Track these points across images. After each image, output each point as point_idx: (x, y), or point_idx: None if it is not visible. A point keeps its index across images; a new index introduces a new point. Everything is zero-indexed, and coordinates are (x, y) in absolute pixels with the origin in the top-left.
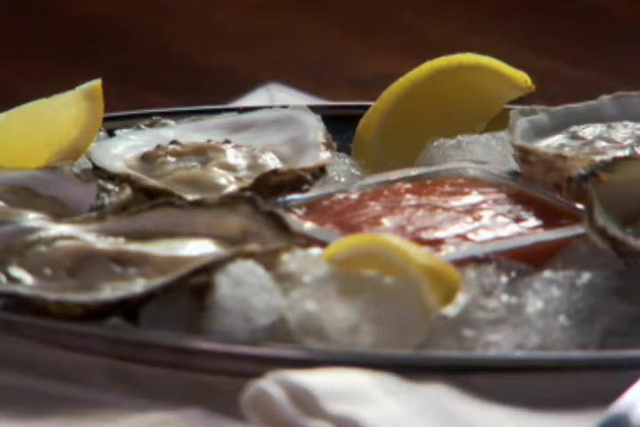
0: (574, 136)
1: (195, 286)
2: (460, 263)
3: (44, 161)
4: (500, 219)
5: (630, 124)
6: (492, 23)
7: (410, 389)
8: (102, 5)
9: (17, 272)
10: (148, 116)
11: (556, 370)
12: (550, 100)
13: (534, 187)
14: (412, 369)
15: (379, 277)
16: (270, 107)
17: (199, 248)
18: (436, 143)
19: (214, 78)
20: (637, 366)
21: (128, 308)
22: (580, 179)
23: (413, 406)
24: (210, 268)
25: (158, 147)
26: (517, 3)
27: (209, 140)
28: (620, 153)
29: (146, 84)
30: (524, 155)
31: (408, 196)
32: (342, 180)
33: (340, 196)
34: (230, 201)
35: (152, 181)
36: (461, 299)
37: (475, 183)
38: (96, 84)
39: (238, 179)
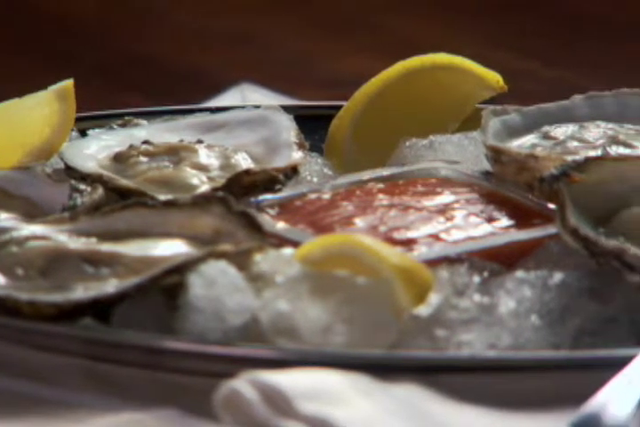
0: (546, 136)
1: (167, 286)
2: (433, 263)
3: (16, 161)
4: (473, 219)
5: (602, 124)
6: (466, 23)
7: (382, 389)
8: (77, 6)
9: None
10: (121, 116)
11: (528, 370)
12: (523, 99)
13: (506, 187)
14: (384, 369)
15: (351, 277)
16: (243, 107)
17: (172, 248)
18: (408, 143)
19: (187, 78)
20: (609, 366)
21: (100, 308)
22: (552, 179)
23: (386, 406)
24: (182, 268)
25: (131, 147)
26: (491, 3)
27: (181, 140)
28: (592, 153)
29: (119, 84)
30: (496, 155)
31: (380, 196)
32: (315, 180)
33: (313, 196)
34: (203, 201)
35: (124, 181)
36: (434, 299)
37: (447, 183)
38: (68, 84)
39: (211, 179)
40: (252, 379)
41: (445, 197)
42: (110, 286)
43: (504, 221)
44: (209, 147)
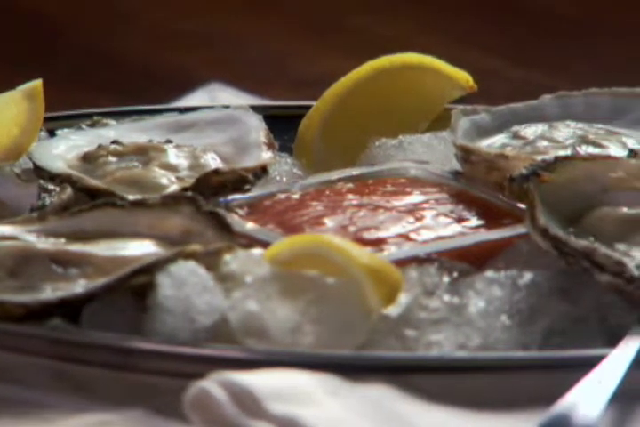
0: (516, 136)
1: (136, 287)
2: (402, 263)
3: None
4: (442, 219)
5: (572, 124)
6: (435, 23)
7: (351, 389)
8: (47, 5)
9: None
10: (90, 116)
11: (497, 370)
12: (492, 99)
13: (476, 186)
14: (353, 369)
15: (320, 277)
16: (212, 107)
17: (141, 248)
18: (377, 143)
19: (156, 78)
20: (579, 366)
21: (69, 308)
22: (522, 178)
23: (355, 407)
24: (151, 268)
25: (99, 147)
26: (460, 2)
27: (150, 140)
28: (562, 153)
29: (87, 84)
30: (465, 154)
31: (350, 196)
32: (284, 180)
33: (282, 196)
34: (171, 201)
35: (93, 182)
36: (403, 299)
37: (417, 183)
38: (37, 83)
39: (180, 179)
40: (222, 379)
41: (415, 197)
42: (79, 286)
43: (474, 221)
44: (178, 147)
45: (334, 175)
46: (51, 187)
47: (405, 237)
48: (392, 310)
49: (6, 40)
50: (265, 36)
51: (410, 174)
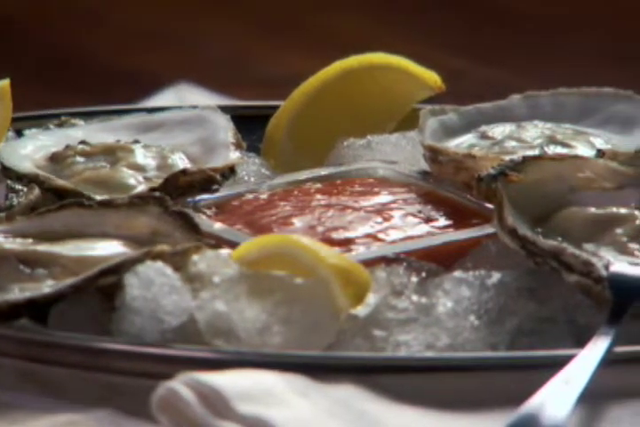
0: (484, 136)
1: (104, 287)
2: (371, 263)
3: None
4: (410, 219)
5: (540, 124)
6: (404, 22)
7: (319, 389)
8: (14, 5)
9: None
10: (57, 116)
11: (465, 370)
12: (460, 99)
13: (444, 187)
14: (321, 370)
15: (289, 277)
16: (180, 107)
17: (108, 249)
18: (345, 143)
19: (124, 79)
20: (547, 366)
21: (37, 309)
22: (490, 178)
23: (323, 407)
24: (119, 268)
25: (67, 147)
26: (426, 1)
27: (118, 141)
28: (530, 153)
29: (55, 84)
30: (433, 154)
31: (318, 196)
32: (252, 180)
33: (250, 196)
34: (139, 201)
35: (61, 182)
36: (371, 299)
37: (384, 183)
38: (4, 83)
39: (147, 179)
40: (189, 380)
41: (383, 197)
42: (46, 286)
43: (442, 221)
44: (146, 147)
45: (302, 175)
46: (18, 187)
47: (373, 237)
48: (360, 311)
49: None
50: (230, 35)
51: (378, 174)
